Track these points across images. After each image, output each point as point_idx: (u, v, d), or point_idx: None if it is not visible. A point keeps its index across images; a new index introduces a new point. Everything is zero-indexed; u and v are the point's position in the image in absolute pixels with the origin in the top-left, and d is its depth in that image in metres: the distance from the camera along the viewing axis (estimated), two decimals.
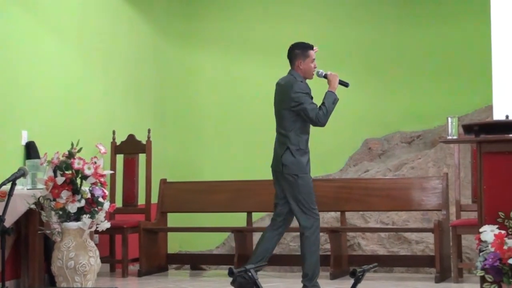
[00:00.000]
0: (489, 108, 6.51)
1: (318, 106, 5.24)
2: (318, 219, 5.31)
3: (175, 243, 7.83)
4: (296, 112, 5.24)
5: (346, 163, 8.35)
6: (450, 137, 4.98)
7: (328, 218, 7.58)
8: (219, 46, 8.68)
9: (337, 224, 7.15)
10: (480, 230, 4.44)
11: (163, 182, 7.29)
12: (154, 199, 7.21)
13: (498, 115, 6.03)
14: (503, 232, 4.33)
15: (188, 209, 7.33)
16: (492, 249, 4.29)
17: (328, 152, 8.14)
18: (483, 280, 4.37)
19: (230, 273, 3.88)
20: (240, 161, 8.32)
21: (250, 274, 3.92)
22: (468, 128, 4.71)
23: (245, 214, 7.10)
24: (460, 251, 6.24)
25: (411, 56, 8.15)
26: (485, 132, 4.66)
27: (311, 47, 5.39)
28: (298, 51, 5.36)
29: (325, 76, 5.40)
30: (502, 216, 4.39)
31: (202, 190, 7.26)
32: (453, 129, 4.96)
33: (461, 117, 7.18)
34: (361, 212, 7.40)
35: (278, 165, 5.31)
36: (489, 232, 4.37)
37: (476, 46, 7.24)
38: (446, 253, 6.29)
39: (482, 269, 4.33)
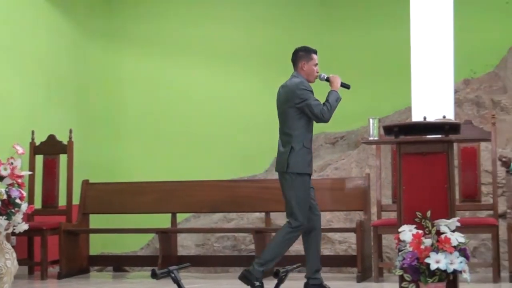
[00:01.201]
0: (409, 109, 6.64)
1: (322, 103, 5.31)
2: (302, 227, 5.30)
3: (98, 245, 7.69)
4: (300, 109, 5.27)
5: (271, 164, 8.37)
6: (371, 138, 5.05)
7: (253, 219, 7.58)
8: (142, 46, 8.60)
9: (262, 225, 7.16)
10: (399, 230, 4.51)
11: (85, 183, 7.16)
12: (76, 201, 7.06)
13: (417, 116, 6.16)
14: (420, 231, 4.41)
15: (112, 210, 7.22)
16: (410, 249, 4.37)
17: (253, 153, 8.17)
18: (401, 279, 4.44)
19: (153, 275, 3.83)
20: (164, 162, 8.26)
21: (173, 275, 3.88)
22: (388, 129, 4.78)
23: (169, 215, 7.03)
24: (380, 251, 6.34)
25: (334, 58, 8.23)
26: (404, 133, 4.74)
27: (315, 51, 5.48)
28: (302, 53, 5.45)
29: (327, 79, 5.47)
30: (419, 216, 4.47)
31: (126, 191, 7.16)
32: (374, 130, 5.03)
33: (382, 118, 7.30)
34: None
35: (283, 165, 5.33)
36: (407, 232, 4.45)
37: (397, 49, 7.36)
38: (368, 252, 6.38)
39: (401, 268, 4.41)
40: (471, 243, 6.74)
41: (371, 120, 5.00)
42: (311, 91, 5.32)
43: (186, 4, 8.63)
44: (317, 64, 5.45)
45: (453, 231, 4.40)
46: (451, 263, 4.28)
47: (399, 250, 4.48)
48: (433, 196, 4.53)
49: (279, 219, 7.47)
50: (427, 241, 4.36)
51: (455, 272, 4.32)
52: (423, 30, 6.38)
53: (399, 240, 4.48)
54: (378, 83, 7.98)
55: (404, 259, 4.38)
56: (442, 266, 4.26)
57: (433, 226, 4.43)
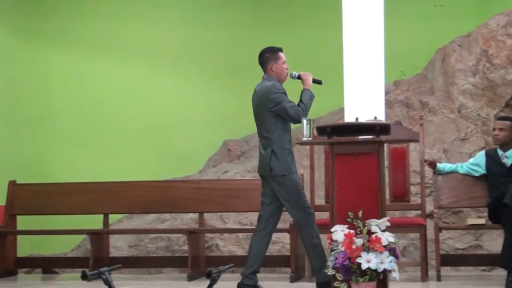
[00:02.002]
0: (342, 110, 6.72)
1: (296, 104, 5.27)
2: (312, 213, 5.30)
3: (27, 247, 7.51)
4: (275, 113, 5.25)
5: (206, 164, 8.36)
6: (305, 139, 5.09)
7: (187, 220, 7.54)
8: (71, 45, 8.46)
9: (196, 225, 7.13)
10: (332, 229, 4.55)
11: (12, 183, 7.01)
12: (2, 202, 6.88)
13: (349, 117, 6.24)
14: (352, 231, 4.47)
15: (42, 211, 7.08)
16: (342, 248, 4.42)
17: (187, 153, 8.13)
18: (334, 278, 4.48)
19: (84, 276, 3.75)
20: (96, 162, 8.13)
21: (104, 276, 3.81)
22: (321, 130, 4.83)
23: (101, 216, 6.93)
24: None
25: None
26: (337, 134, 4.79)
27: (280, 49, 5.43)
28: (269, 55, 5.41)
29: (299, 77, 5.44)
30: (351, 216, 4.53)
31: (56, 192, 7.04)
32: (308, 131, 5.07)
33: (316, 119, 7.38)
34: (219, 213, 7.42)
35: (266, 169, 5.30)
36: (339, 232, 4.49)
37: (329, 50, 7.45)
38: (301, 252, 6.42)
39: (333, 268, 4.45)
40: (401, 242, 6.87)
41: (304, 121, 5.04)
42: (284, 93, 5.31)
43: (119, 3, 8.53)
44: (285, 61, 5.43)
45: (384, 230, 4.47)
46: (381, 263, 4.34)
47: (332, 250, 4.52)
48: (365, 196, 4.59)
49: (213, 219, 7.47)
50: (359, 241, 4.42)
51: (385, 271, 4.39)
52: (355, 32, 6.48)
53: (332, 240, 4.52)
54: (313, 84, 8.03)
55: (336, 258, 4.42)
56: (372, 265, 4.33)
57: (364, 226, 4.48)
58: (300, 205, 5.26)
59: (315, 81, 5.46)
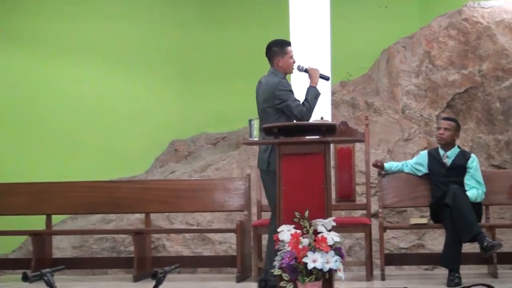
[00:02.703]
0: None
1: (301, 102, 5.23)
2: None
3: None
4: (280, 110, 5.22)
5: (152, 165, 8.29)
6: (251, 139, 5.09)
7: (133, 220, 7.47)
8: (18, 43, 8.27)
9: (142, 226, 7.06)
10: (278, 230, 4.56)
11: None
12: None
13: None
14: (298, 231, 4.48)
15: None
16: (289, 248, 4.43)
17: (133, 154, 8.06)
18: (280, 278, 4.49)
19: (24, 278, 3.68)
20: (40, 162, 7.98)
21: (46, 278, 3.74)
22: (268, 130, 4.83)
23: (44, 216, 6.80)
24: (260, 251, 6.40)
25: (216, 58, 8.29)
26: (283, 134, 4.80)
27: (288, 43, 5.39)
28: (276, 49, 5.36)
29: (306, 70, 5.38)
30: (298, 216, 4.54)
31: None
32: (254, 131, 5.08)
33: None
34: (166, 214, 7.36)
35: (263, 164, 5.26)
36: (286, 232, 4.49)
37: None
38: (248, 252, 6.43)
39: (280, 268, 4.45)
40: (346, 242, 6.94)
41: (251, 121, 5.04)
42: (290, 91, 5.28)
43: (64, 1, 8.39)
44: (292, 56, 5.38)
45: (329, 230, 4.50)
46: (327, 262, 4.36)
47: (278, 250, 4.53)
48: (311, 196, 4.60)
49: (160, 220, 7.41)
50: (305, 241, 4.43)
51: (331, 271, 4.41)
52: (301, 33, 6.52)
53: (278, 240, 4.53)
54: None
55: (282, 258, 4.43)
56: (318, 265, 4.35)
57: (310, 226, 4.50)
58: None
59: (322, 77, 5.44)
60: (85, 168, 7.91)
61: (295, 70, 5.46)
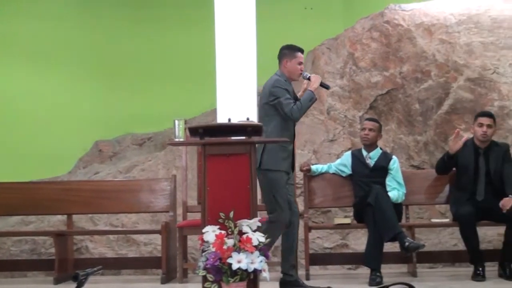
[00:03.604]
0: (215, 111, 6.74)
1: (294, 102, 5.19)
2: (285, 218, 5.22)
3: None
4: (274, 107, 5.20)
5: (75, 165, 8.13)
6: (177, 140, 5.05)
7: (54, 222, 7.30)
8: None
9: (64, 228, 6.91)
10: (203, 230, 4.54)
11: None
12: None
13: (222, 118, 6.27)
14: (223, 232, 4.47)
15: None
16: (213, 249, 4.42)
17: (56, 154, 7.88)
18: (205, 279, 4.48)
19: None
20: None
21: None
22: (193, 131, 4.80)
23: None
24: (185, 252, 6.38)
25: (141, 58, 8.20)
26: (209, 135, 4.79)
27: (300, 50, 5.39)
28: (286, 51, 5.39)
29: (309, 78, 5.36)
30: (223, 217, 4.53)
31: None
32: (179, 132, 5.04)
33: (189, 120, 7.38)
34: (90, 215, 7.23)
35: (257, 162, 5.13)
36: (211, 233, 4.49)
37: (203, 50, 7.41)
38: (173, 254, 6.39)
39: (204, 268, 4.44)
40: None
41: (176, 122, 5.00)
42: (286, 89, 5.25)
43: None
44: (301, 62, 5.38)
45: (255, 231, 4.51)
46: (251, 263, 4.38)
47: (203, 251, 4.51)
48: (236, 197, 4.61)
49: (83, 221, 7.27)
50: (230, 241, 4.43)
51: (256, 271, 4.43)
52: (227, 34, 6.53)
53: (203, 241, 4.51)
54: (185, 85, 8.02)
55: (207, 259, 4.42)
56: (243, 265, 4.35)
57: (235, 226, 4.51)
58: (275, 203, 5.21)
59: (323, 85, 5.44)
60: (3, 169, 7.67)
61: (300, 79, 5.47)
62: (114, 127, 8.18)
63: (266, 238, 4.83)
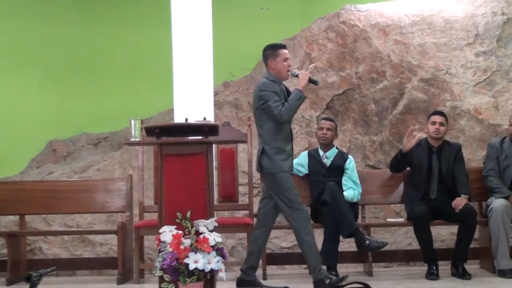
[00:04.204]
0: (172, 111, 6.71)
1: (281, 103, 5.14)
2: (302, 211, 5.23)
3: None
4: (265, 111, 5.19)
5: (28, 165, 7.99)
6: (133, 139, 5.02)
7: (6, 222, 7.16)
8: None
9: (16, 228, 6.79)
10: (160, 230, 4.53)
11: None
12: None
13: (179, 118, 6.24)
14: (180, 232, 4.46)
15: None
16: (170, 249, 4.40)
17: (8, 154, 7.74)
18: (161, 279, 4.46)
19: None
20: None
21: None
22: (149, 131, 4.78)
23: None
24: (142, 252, 6.34)
25: (97, 58, 8.12)
26: (166, 135, 4.77)
27: (282, 46, 5.34)
28: (269, 52, 5.33)
29: (297, 76, 5.28)
30: (180, 217, 4.52)
31: None
32: (135, 131, 5.01)
33: (146, 120, 7.32)
34: (44, 215, 7.12)
35: (257, 167, 5.29)
36: (167, 233, 4.48)
37: (159, 50, 7.38)
38: (129, 254, 6.33)
39: (161, 269, 4.43)
40: (229, 242, 6.98)
41: (132, 122, 4.97)
42: (274, 91, 5.19)
43: None
44: (287, 58, 5.29)
45: (211, 231, 4.52)
46: (208, 263, 4.38)
47: (160, 251, 4.50)
48: (193, 197, 4.61)
49: (37, 222, 7.16)
50: (187, 242, 4.43)
51: (212, 272, 4.43)
52: (183, 34, 6.50)
53: (160, 241, 4.49)
54: (142, 84, 7.96)
55: (164, 259, 4.41)
56: (200, 266, 4.36)
57: (192, 226, 4.50)
58: (291, 202, 5.21)
59: (311, 81, 5.36)
60: None
61: (290, 76, 5.42)
62: (68, 126, 8.08)
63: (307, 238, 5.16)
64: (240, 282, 5.43)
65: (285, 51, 5.35)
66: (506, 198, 6.04)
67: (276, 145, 5.25)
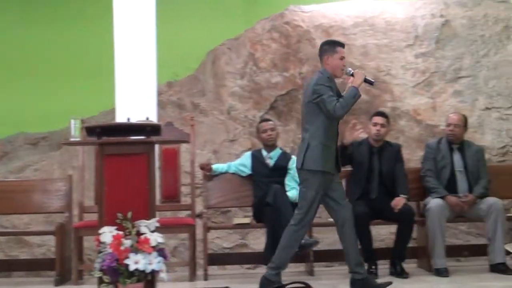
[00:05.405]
0: (114, 111, 6.62)
1: (337, 99, 5.04)
2: (310, 220, 5.20)
3: None
4: (317, 105, 5.09)
5: None
6: (72, 139, 4.94)
7: None
8: None
9: None
10: (100, 231, 4.46)
11: None
12: None
13: (121, 117, 6.17)
14: (121, 233, 4.41)
15: None
16: (110, 250, 4.34)
17: None
18: (100, 281, 4.40)
19: None
20: None
21: None
22: (90, 130, 4.71)
23: None
24: (81, 253, 6.24)
25: (36, 56, 7.96)
26: (107, 134, 4.70)
27: (340, 44, 5.28)
28: (326, 47, 5.27)
29: (352, 74, 5.21)
30: (120, 217, 4.47)
31: None
32: (76, 131, 4.94)
33: (87, 119, 7.19)
34: None
35: (299, 162, 5.16)
36: (107, 233, 4.42)
37: (101, 49, 7.29)
38: (68, 255, 6.22)
39: (100, 270, 4.37)
40: (172, 242, 6.93)
41: (72, 121, 4.90)
42: (329, 87, 5.12)
43: None
44: (343, 57, 5.23)
45: (153, 231, 4.47)
46: (149, 263, 4.34)
47: (99, 252, 4.43)
48: (135, 197, 4.56)
49: None
50: (127, 242, 4.38)
51: (153, 272, 4.39)
52: (126, 33, 6.44)
53: (99, 242, 4.43)
54: (83, 83, 7.84)
55: (103, 260, 4.34)
56: (140, 266, 4.31)
57: (133, 227, 4.45)
58: (307, 204, 5.16)
59: (367, 81, 5.31)
60: None
61: (345, 75, 5.37)
62: (5, 126, 7.90)
63: (293, 246, 5.10)
64: (353, 282, 5.31)
65: (343, 49, 5.33)
66: (443, 198, 6.16)
67: (323, 142, 5.16)
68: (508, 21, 7.73)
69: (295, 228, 5.20)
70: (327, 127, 5.17)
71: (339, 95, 5.25)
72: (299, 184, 5.33)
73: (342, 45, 5.35)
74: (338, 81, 5.45)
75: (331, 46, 5.32)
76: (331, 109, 5.08)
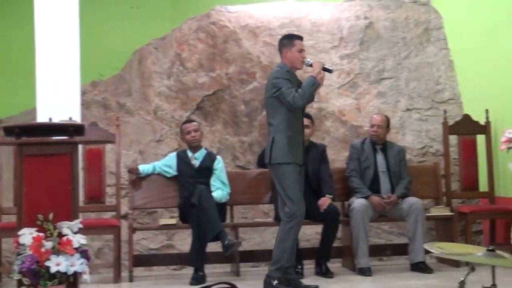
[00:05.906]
0: (35, 110, 6.48)
1: (296, 90, 4.99)
2: (296, 207, 5.12)
3: None
4: (278, 99, 5.12)
5: None
6: None
7: None
8: None
9: None
10: (19, 233, 4.36)
11: None
12: None
13: (42, 117, 6.05)
14: (42, 234, 4.32)
15: None
16: (30, 252, 4.25)
17: None
18: (20, 283, 4.30)
19: None
20: None
21: None
22: (8, 130, 4.59)
23: None
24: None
25: None
26: (27, 135, 4.60)
27: (298, 37, 5.35)
28: (285, 41, 5.35)
29: (311, 65, 5.18)
30: (41, 219, 4.37)
31: None
32: None
33: (6, 119, 7.03)
34: None
35: (267, 157, 5.18)
36: (27, 235, 4.32)
37: (21, 48, 7.13)
38: None
39: (20, 272, 4.27)
40: (96, 244, 6.83)
41: None
42: (287, 79, 5.10)
43: None
44: (302, 50, 5.22)
45: (76, 233, 4.40)
46: (71, 265, 4.27)
47: (19, 254, 4.33)
48: (57, 198, 4.47)
49: None
50: (48, 244, 4.29)
51: (76, 274, 4.32)
52: (48, 32, 6.32)
53: (19, 244, 4.33)
54: (3, 82, 7.62)
55: (23, 262, 4.25)
56: (62, 268, 4.23)
57: (55, 228, 4.37)
58: (291, 197, 5.11)
59: (325, 69, 5.27)
60: None
61: (305, 67, 5.36)
62: None
63: (285, 240, 5.09)
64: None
65: (301, 42, 5.38)
66: (366, 198, 6.28)
67: (288, 134, 5.17)
68: (428, 24, 7.94)
69: (286, 223, 5.20)
70: (290, 119, 5.20)
71: (300, 88, 5.28)
72: (272, 181, 5.35)
73: (300, 38, 5.45)
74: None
75: (289, 39, 5.43)
76: (290, 100, 5.12)
